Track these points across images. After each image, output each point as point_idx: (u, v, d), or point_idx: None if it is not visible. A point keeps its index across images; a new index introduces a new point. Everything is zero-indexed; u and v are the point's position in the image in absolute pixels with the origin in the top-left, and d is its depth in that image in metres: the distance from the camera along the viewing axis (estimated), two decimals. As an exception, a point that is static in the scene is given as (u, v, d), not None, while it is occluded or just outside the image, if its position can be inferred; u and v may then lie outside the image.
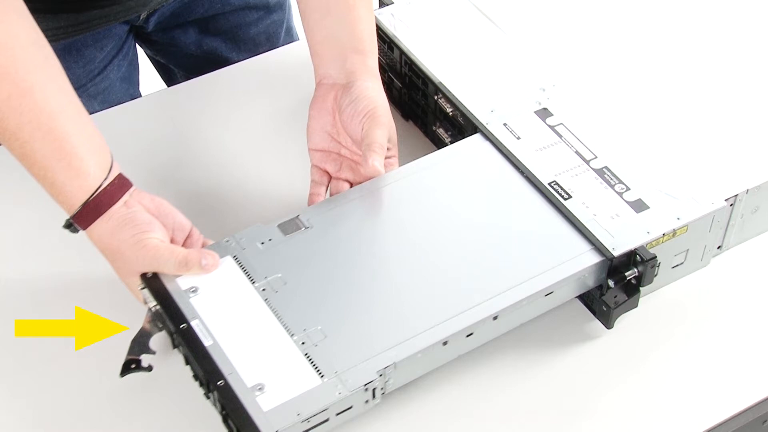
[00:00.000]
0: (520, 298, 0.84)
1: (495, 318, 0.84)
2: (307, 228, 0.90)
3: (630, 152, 0.93)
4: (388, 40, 1.05)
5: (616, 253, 0.85)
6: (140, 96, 1.25)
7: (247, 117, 1.10)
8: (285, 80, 1.14)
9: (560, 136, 0.95)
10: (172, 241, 0.87)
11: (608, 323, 0.89)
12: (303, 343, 0.82)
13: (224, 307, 0.85)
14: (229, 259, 0.88)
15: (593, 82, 1.03)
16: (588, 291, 0.89)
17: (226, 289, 0.86)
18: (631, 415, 0.85)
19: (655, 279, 0.88)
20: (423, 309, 0.84)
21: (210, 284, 0.86)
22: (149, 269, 0.85)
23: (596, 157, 0.93)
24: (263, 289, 0.86)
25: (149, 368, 0.85)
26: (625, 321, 0.90)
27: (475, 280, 0.86)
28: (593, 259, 0.86)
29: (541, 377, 0.87)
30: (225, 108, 1.11)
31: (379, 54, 1.07)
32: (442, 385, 0.86)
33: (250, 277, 0.87)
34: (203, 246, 0.89)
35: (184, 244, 0.88)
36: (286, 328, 0.83)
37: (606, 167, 0.92)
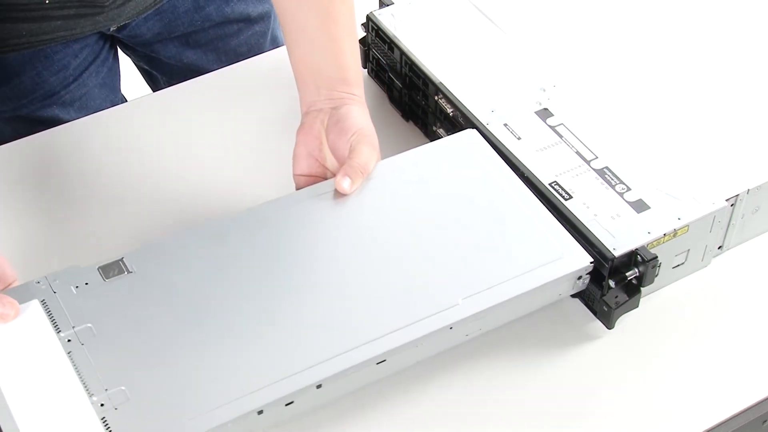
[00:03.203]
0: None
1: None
2: (131, 272, 0.82)
3: (631, 152, 0.93)
4: (388, 40, 1.05)
5: (616, 253, 0.85)
6: (121, 101, 1.25)
7: (232, 123, 1.09)
8: (273, 86, 1.13)
9: (561, 136, 0.95)
10: None
11: (609, 323, 0.89)
12: (102, 405, 0.74)
13: (20, 358, 0.76)
14: (35, 303, 0.79)
15: (594, 83, 1.03)
16: (589, 291, 0.89)
17: (26, 339, 0.77)
18: (631, 415, 0.85)
19: (655, 279, 0.88)
20: (262, 365, 0.77)
21: (9, 332, 0.77)
22: None
23: (597, 158, 0.93)
24: (68, 340, 0.77)
25: None
26: (626, 321, 0.90)
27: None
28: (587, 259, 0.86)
29: (542, 377, 0.87)
30: (210, 114, 1.10)
31: (379, 54, 1.08)
32: (443, 385, 0.86)
33: (56, 326, 0.78)
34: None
35: None
36: (85, 386, 0.75)
37: (607, 167, 0.92)
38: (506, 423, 0.84)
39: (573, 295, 0.91)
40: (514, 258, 0.85)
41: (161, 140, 1.07)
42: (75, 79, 1.16)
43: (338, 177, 0.89)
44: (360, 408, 0.84)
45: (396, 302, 0.82)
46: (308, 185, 0.91)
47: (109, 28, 1.15)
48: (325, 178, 0.92)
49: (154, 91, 1.30)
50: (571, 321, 0.90)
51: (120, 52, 1.25)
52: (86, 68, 1.16)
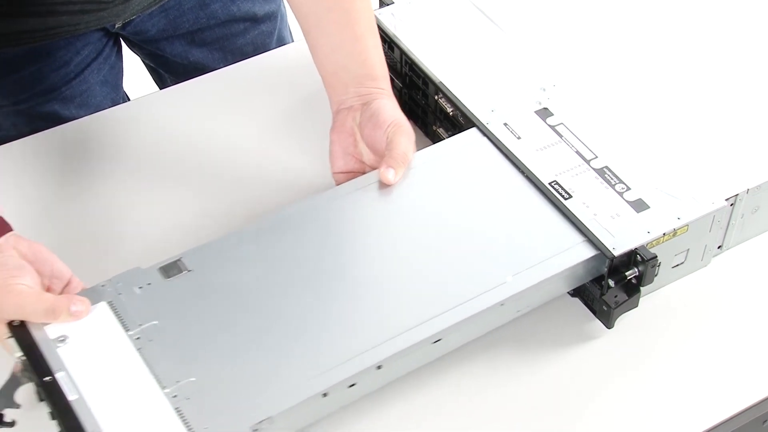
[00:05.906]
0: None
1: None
2: (189, 271, 0.85)
3: (630, 152, 0.93)
4: (388, 40, 1.05)
5: (616, 252, 0.85)
6: (123, 99, 1.25)
7: (238, 121, 1.09)
8: (279, 84, 1.12)
9: (561, 135, 0.95)
10: (48, 289, 0.83)
11: (609, 323, 0.89)
12: (175, 396, 0.77)
13: (94, 357, 0.79)
14: (103, 305, 0.82)
15: (593, 82, 1.03)
16: (589, 291, 0.89)
17: (98, 338, 0.80)
18: (631, 415, 0.85)
19: (655, 279, 0.88)
20: (314, 355, 0.80)
21: (80, 333, 0.80)
22: (16, 317, 0.80)
23: (597, 157, 0.93)
24: (137, 338, 0.80)
25: (12, 423, 0.78)
26: (626, 321, 0.90)
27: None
28: (588, 252, 0.86)
29: (541, 377, 0.87)
30: (215, 112, 1.10)
31: (379, 54, 1.08)
32: (441, 384, 0.86)
33: (124, 325, 0.81)
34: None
35: (61, 294, 0.84)
36: (157, 380, 0.78)
37: (606, 167, 0.92)
38: (506, 422, 0.84)
39: (573, 295, 0.91)
40: (554, 239, 0.87)
41: (166, 138, 1.08)
42: (76, 76, 1.16)
43: (382, 169, 0.90)
44: (359, 406, 0.84)
45: (448, 284, 0.85)
46: (348, 181, 0.93)
47: (114, 25, 1.15)
48: (364, 173, 0.94)
49: (161, 89, 1.30)
50: (570, 321, 0.90)
51: (128, 51, 1.25)
52: (88, 65, 1.16)
